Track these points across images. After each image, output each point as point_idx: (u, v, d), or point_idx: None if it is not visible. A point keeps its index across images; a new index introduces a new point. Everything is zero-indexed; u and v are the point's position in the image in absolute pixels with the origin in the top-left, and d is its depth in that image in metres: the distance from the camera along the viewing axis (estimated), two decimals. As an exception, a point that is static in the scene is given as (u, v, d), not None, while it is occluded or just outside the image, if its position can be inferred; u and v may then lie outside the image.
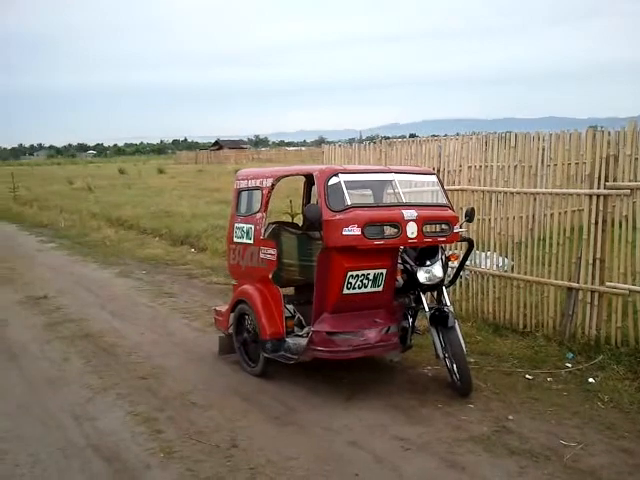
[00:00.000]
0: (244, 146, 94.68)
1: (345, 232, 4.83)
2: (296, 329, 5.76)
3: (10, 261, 12.62)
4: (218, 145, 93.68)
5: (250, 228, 5.91)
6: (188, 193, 24.08)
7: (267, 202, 5.83)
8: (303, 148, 75.35)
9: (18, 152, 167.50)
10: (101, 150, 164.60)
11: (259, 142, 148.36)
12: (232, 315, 6.15)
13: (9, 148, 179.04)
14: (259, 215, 5.86)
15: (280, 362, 5.57)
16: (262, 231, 5.82)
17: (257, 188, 5.98)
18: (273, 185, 5.80)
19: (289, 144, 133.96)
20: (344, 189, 5.04)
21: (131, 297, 9.30)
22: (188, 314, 8.16)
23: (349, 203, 4.98)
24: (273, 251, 5.66)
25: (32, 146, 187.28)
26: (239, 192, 6.29)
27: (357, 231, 4.82)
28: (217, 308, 6.66)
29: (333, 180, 5.09)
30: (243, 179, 6.27)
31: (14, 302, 9.09)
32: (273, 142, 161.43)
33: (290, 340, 5.56)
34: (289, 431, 4.77)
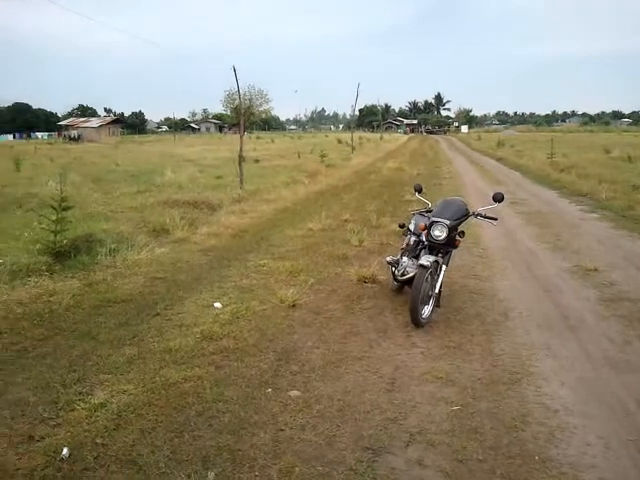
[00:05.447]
0: None
1: None
2: None
3: (555, 227, 12.87)
4: None
5: None
6: None
7: None
8: None
9: (551, 119, 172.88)
10: (637, 118, 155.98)
11: None
12: None
13: (542, 114, 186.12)
14: None
15: None
16: None
17: None
18: None
19: None
20: None
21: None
22: None
23: None
24: None
25: (565, 113, 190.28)
26: None
27: None
28: None
29: None
30: None
31: (563, 270, 9.16)
32: None
33: None
34: None
